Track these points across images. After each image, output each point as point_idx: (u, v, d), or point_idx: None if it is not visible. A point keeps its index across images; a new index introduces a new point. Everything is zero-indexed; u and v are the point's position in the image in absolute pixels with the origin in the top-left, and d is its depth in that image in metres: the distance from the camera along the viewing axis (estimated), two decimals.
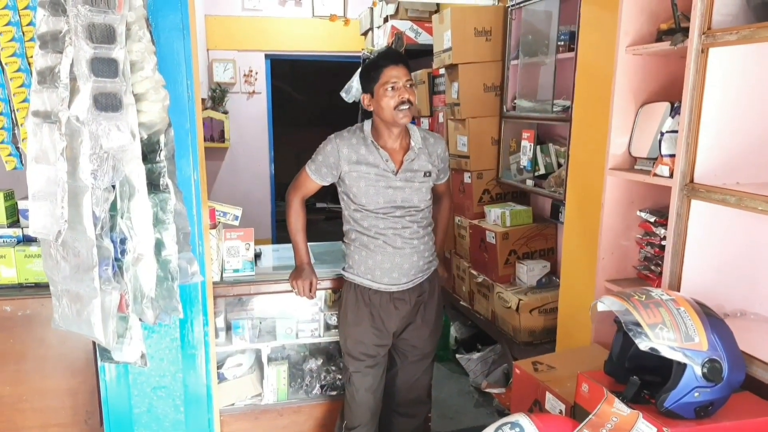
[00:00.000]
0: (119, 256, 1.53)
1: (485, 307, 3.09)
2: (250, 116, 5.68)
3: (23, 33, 1.94)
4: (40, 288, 1.99)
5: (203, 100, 5.30)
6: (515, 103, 3.13)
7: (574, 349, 2.08)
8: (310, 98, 7.36)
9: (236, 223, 2.35)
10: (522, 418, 1.17)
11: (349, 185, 1.98)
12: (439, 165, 2.09)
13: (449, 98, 3.40)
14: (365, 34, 5.09)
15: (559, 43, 2.70)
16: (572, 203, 2.35)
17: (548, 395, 1.62)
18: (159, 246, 1.63)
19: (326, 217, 7.40)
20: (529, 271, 2.89)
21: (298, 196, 2.10)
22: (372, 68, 1.96)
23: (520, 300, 2.73)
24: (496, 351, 3.16)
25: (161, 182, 1.62)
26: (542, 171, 2.90)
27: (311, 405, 2.38)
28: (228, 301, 2.39)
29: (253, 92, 5.64)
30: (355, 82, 4.73)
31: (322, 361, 2.46)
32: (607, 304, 1.33)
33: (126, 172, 1.51)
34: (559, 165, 2.82)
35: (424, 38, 4.09)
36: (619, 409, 1.21)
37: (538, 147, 2.91)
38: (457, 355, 3.27)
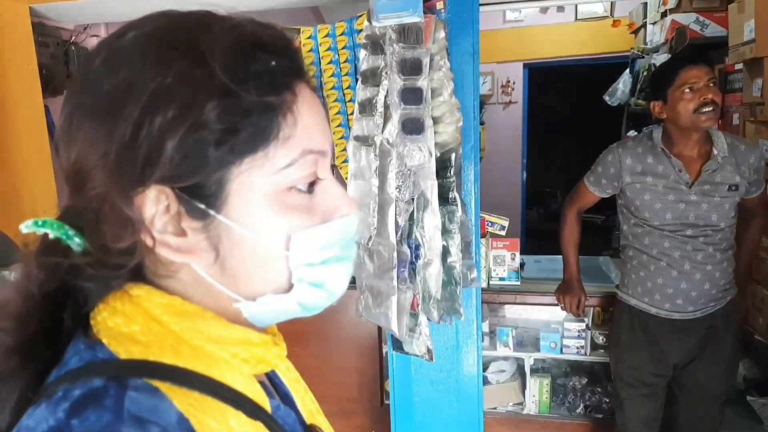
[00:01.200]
0: (413, 260, 1.74)
1: None
2: (505, 126, 5.77)
3: (341, 69, 2.35)
4: None
5: None
6: None
7: None
8: (565, 103, 7.13)
9: (503, 233, 2.44)
10: None
11: (631, 198, 1.84)
12: (751, 176, 1.79)
13: (748, 97, 2.93)
14: (636, 32, 4.72)
15: None
16: None
17: None
18: (445, 253, 1.79)
19: None
20: None
21: (574, 209, 2.06)
22: (665, 71, 1.79)
23: None
24: None
25: (450, 196, 1.79)
26: None
27: (574, 424, 2.33)
28: (491, 308, 2.49)
29: (509, 102, 5.72)
30: (621, 85, 4.45)
31: (586, 380, 2.38)
32: None
33: (423, 186, 1.71)
34: None
35: (711, 30, 3.58)
36: None
37: None
38: (749, 398, 2.79)
